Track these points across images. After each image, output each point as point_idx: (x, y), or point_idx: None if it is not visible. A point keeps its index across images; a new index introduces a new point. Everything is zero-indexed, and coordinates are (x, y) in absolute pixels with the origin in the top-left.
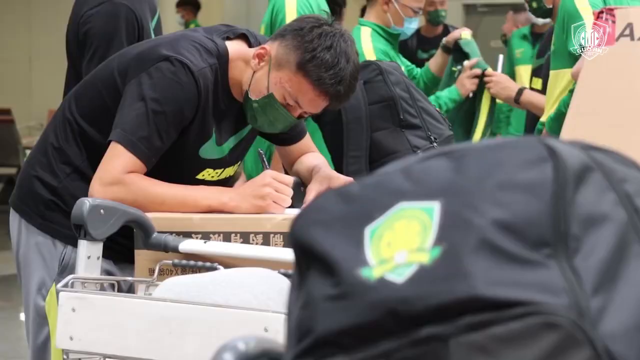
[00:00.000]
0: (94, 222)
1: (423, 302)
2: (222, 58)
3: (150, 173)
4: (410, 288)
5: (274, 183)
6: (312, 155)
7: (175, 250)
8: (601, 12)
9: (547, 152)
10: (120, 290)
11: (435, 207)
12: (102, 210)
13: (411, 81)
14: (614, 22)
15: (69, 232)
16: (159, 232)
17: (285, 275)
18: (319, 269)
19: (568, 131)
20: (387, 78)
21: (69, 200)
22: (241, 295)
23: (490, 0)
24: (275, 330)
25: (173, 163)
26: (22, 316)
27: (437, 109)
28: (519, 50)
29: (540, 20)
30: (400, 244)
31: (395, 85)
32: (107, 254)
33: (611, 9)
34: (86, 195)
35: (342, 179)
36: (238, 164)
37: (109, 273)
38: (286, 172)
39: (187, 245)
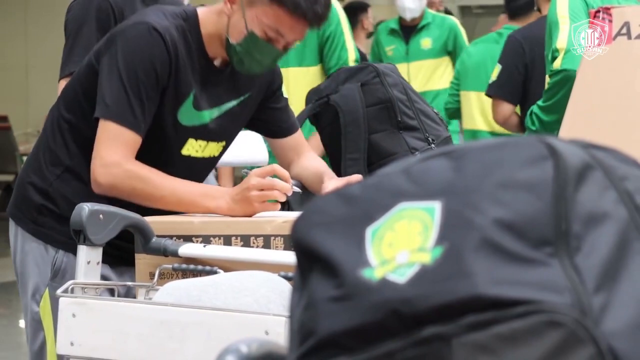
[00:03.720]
0: (93, 227)
1: (425, 302)
2: (191, 19)
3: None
4: (412, 288)
5: (257, 184)
6: (313, 158)
7: (174, 254)
8: (598, 11)
9: (548, 151)
10: (118, 295)
11: (436, 206)
12: (101, 216)
13: (408, 83)
14: (610, 21)
15: (60, 236)
16: (159, 236)
17: (286, 277)
18: (321, 271)
19: (566, 130)
20: (384, 80)
21: (60, 202)
22: (242, 299)
23: (486, 2)
24: (276, 333)
25: (156, 132)
26: (22, 323)
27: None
28: (389, 47)
29: (408, 15)
30: (401, 244)
31: (393, 87)
32: (103, 259)
33: (608, 8)
34: (77, 196)
35: None
36: (223, 143)
37: (105, 278)
38: None
39: (187, 249)
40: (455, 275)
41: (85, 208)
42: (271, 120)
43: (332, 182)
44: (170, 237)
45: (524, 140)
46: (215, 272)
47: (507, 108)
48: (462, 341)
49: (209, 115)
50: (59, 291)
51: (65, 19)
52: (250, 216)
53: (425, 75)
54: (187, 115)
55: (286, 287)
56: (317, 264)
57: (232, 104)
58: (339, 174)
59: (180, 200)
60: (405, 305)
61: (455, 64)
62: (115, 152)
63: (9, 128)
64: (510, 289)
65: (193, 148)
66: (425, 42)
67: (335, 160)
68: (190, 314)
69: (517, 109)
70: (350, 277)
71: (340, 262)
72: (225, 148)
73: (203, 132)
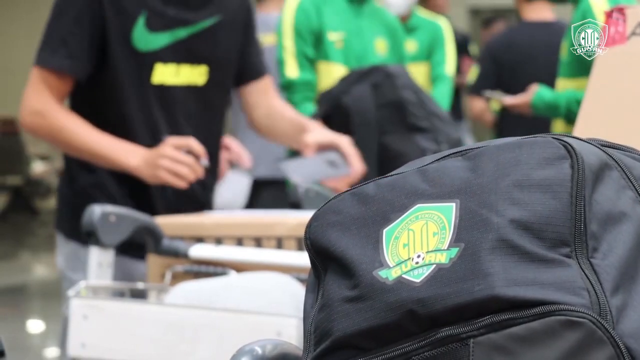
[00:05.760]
0: (105, 228)
1: (441, 302)
2: None
3: (106, 85)
4: (428, 288)
5: (170, 155)
6: (287, 106)
7: (185, 255)
8: (611, 11)
9: (565, 150)
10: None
11: (452, 207)
12: (112, 217)
13: (418, 85)
14: (624, 21)
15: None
16: (170, 237)
17: (298, 279)
18: (336, 271)
19: (580, 130)
20: (395, 81)
21: (84, 189)
22: (253, 301)
23: (497, 5)
24: (288, 335)
25: (115, 65)
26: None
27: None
28: None
29: (392, 12)
30: (417, 245)
31: (403, 88)
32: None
33: (621, 8)
34: (99, 181)
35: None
36: (205, 68)
37: None
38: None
39: (198, 250)
40: (471, 275)
41: (97, 210)
42: (245, 60)
43: (315, 134)
44: (182, 238)
45: (540, 139)
46: (226, 274)
47: (479, 105)
48: (479, 342)
49: (174, 35)
50: (70, 292)
51: None
52: (155, 182)
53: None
54: (143, 39)
55: (298, 289)
56: (332, 264)
57: (203, 25)
58: None
59: (93, 153)
60: (421, 306)
61: (431, 69)
62: (40, 99)
63: (17, 131)
64: (527, 289)
65: (165, 74)
66: (410, 45)
67: None
68: (201, 315)
69: (496, 106)
70: (366, 278)
71: (355, 262)
72: (213, 77)
73: (169, 54)
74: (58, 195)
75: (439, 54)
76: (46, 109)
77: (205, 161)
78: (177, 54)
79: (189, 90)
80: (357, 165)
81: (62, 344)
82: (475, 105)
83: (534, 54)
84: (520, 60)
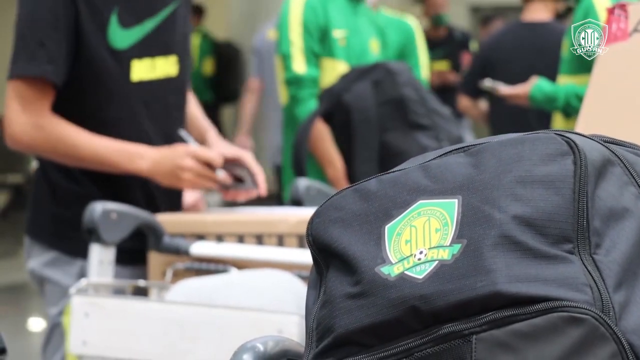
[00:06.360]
0: (106, 226)
1: (444, 298)
2: None
3: (87, 86)
4: (430, 285)
5: (195, 169)
6: (194, 104)
7: (186, 253)
8: (613, 8)
9: (567, 146)
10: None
11: (454, 203)
12: (113, 215)
13: (420, 82)
14: (626, 17)
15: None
16: (171, 234)
17: (299, 277)
18: (339, 268)
19: (582, 127)
20: (396, 79)
21: (70, 201)
22: (255, 298)
23: (497, 3)
24: (289, 332)
25: (94, 69)
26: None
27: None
28: None
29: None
30: (420, 241)
31: (404, 85)
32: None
33: (623, 5)
34: (81, 190)
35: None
36: (175, 57)
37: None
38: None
39: (199, 247)
40: (474, 272)
41: (98, 207)
42: None
43: (220, 147)
44: (183, 235)
45: (543, 135)
46: (227, 271)
47: (465, 101)
48: (482, 338)
49: (144, 28)
50: (72, 290)
51: None
52: (172, 187)
53: None
54: (118, 37)
55: (299, 287)
56: (334, 260)
57: (165, 13)
58: (351, 171)
59: (99, 160)
60: (423, 302)
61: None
62: (31, 112)
63: None
64: (530, 286)
65: (142, 70)
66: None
67: (347, 159)
68: (202, 313)
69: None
70: (368, 274)
71: (357, 258)
72: (183, 66)
73: (142, 48)
74: (33, 202)
75: (413, 58)
76: (42, 121)
77: (221, 173)
78: (150, 47)
79: (166, 82)
80: (262, 183)
81: (45, 344)
82: (461, 101)
83: (517, 55)
84: (504, 60)
